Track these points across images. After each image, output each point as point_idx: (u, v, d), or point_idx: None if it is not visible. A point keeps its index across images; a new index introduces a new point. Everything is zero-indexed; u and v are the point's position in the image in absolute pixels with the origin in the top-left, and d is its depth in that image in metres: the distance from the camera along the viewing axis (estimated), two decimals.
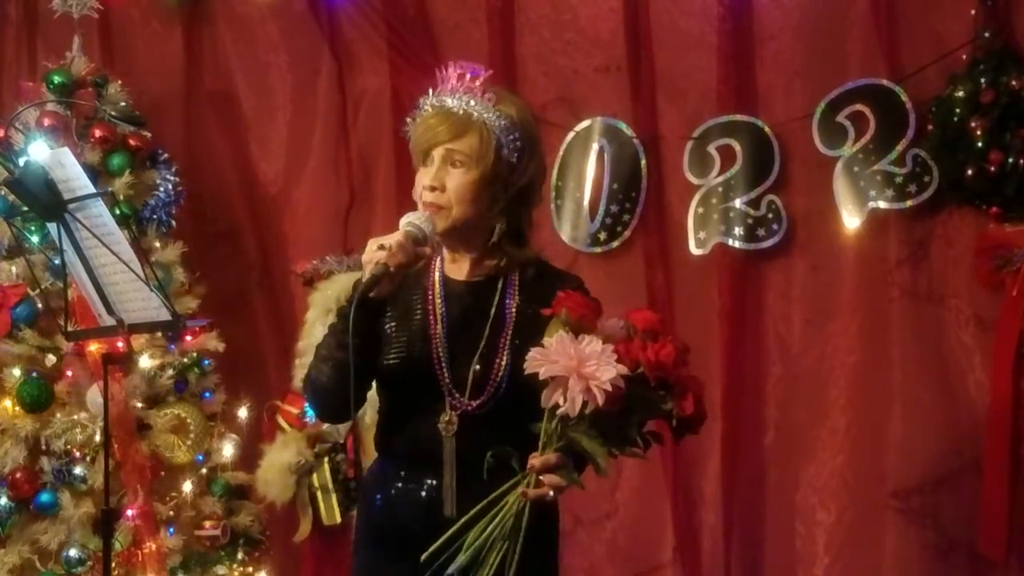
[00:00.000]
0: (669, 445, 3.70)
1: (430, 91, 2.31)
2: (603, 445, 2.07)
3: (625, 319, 2.15)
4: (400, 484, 2.29)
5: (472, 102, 2.25)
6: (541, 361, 2.06)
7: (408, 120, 2.35)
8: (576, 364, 2.03)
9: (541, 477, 2.11)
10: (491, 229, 2.30)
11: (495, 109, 2.26)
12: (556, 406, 2.05)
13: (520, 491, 2.11)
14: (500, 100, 2.28)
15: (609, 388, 2.01)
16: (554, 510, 2.35)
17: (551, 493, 2.11)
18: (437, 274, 2.34)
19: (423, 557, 2.11)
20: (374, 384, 2.33)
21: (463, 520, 2.13)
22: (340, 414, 2.31)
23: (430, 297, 2.30)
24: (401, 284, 2.22)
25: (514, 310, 2.29)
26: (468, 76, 2.28)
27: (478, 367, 2.24)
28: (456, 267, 2.33)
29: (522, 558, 2.13)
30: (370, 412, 2.65)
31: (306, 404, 3.66)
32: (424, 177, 2.26)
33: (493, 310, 2.29)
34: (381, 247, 2.13)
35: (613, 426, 2.08)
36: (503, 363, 2.25)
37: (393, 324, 2.29)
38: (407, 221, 2.19)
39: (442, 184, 2.24)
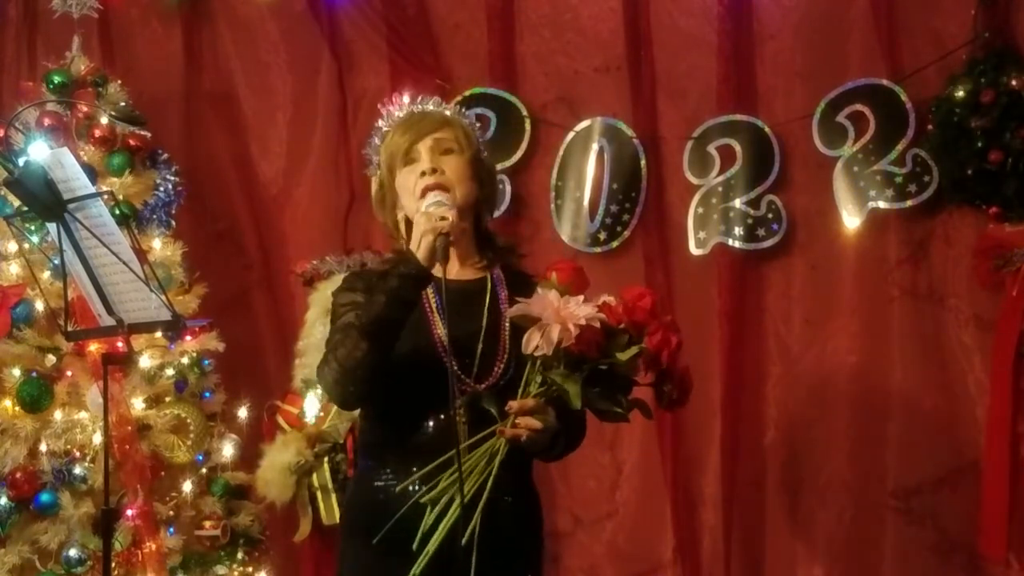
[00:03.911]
0: (670, 446, 3.80)
1: (383, 114, 2.43)
2: (576, 383, 2.11)
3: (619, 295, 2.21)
4: (402, 480, 2.25)
5: (440, 104, 2.44)
6: (523, 308, 2.14)
7: (367, 152, 2.45)
8: (556, 308, 2.10)
9: (518, 420, 2.17)
10: (479, 226, 2.40)
11: (459, 111, 2.46)
12: (535, 351, 2.11)
13: (497, 431, 2.18)
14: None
15: (583, 322, 2.07)
16: (539, 517, 2.40)
17: (525, 435, 2.17)
18: None
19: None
20: None
21: (440, 460, 2.18)
22: (363, 395, 2.30)
23: (423, 293, 2.31)
24: None
25: (506, 301, 2.33)
26: (421, 97, 2.46)
27: (482, 347, 2.28)
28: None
29: (507, 562, 2.22)
30: None
31: (306, 403, 3.66)
32: (419, 166, 2.32)
33: (487, 301, 2.35)
34: (443, 218, 2.18)
35: (591, 373, 2.13)
36: (506, 345, 2.30)
37: None
38: (435, 201, 2.23)
39: (440, 168, 2.31)
